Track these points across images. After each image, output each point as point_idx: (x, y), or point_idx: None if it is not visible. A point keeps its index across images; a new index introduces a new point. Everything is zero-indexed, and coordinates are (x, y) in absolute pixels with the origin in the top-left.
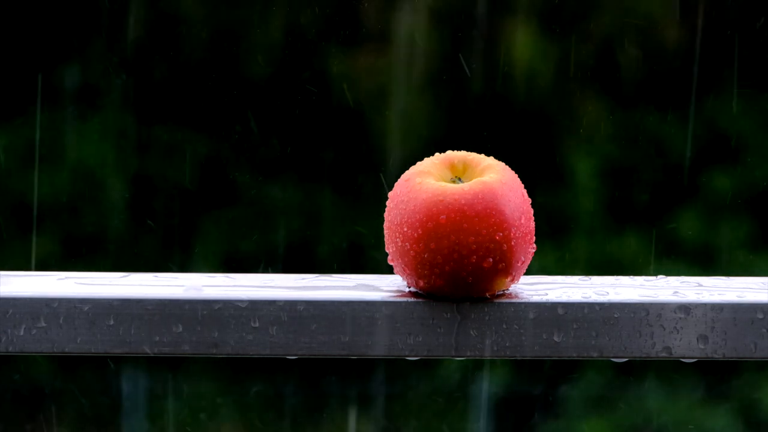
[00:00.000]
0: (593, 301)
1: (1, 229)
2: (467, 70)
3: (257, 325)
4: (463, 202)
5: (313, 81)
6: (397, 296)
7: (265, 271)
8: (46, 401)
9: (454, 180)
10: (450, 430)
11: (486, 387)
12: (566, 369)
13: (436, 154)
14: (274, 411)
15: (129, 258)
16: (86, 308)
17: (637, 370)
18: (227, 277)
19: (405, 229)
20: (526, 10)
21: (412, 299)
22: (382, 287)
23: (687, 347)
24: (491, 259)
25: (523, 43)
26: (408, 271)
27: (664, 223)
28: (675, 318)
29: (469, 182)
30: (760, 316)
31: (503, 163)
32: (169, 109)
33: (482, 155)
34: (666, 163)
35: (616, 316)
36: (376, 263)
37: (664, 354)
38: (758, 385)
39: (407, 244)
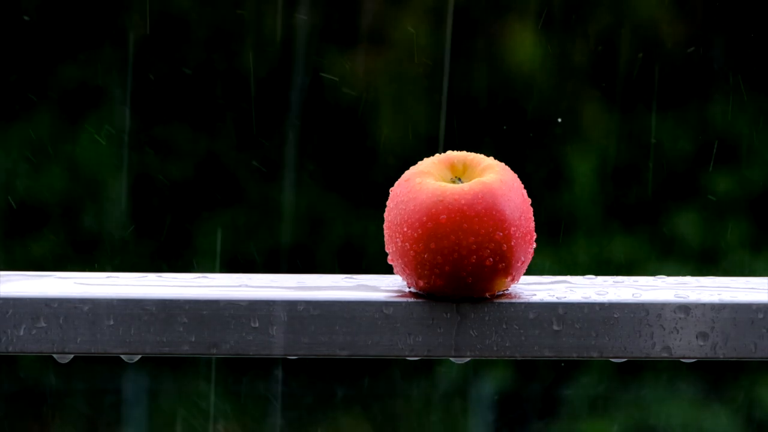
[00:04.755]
0: (593, 301)
1: (1, 228)
2: (467, 71)
3: (257, 325)
4: (463, 202)
5: (313, 81)
6: (397, 296)
7: (265, 271)
8: (46, 401)
9: (454, 180)
10: (450, 430)
11: (486, 387)
12: (566, 369)
13: (436, 154)
14: (274, 411)
15: (129, 258)
16: (86, 308)
17: (637, 370)
18: (227, 277)
19: (405, 229)
20: (526, 11)
21: (412, 299)
22: (382, 287)
23: (687, 347)
24: (491, 259)
25: (522, 44)
26: (408, 271)
27: (664, 223)
28: (675, 318)
29: (469, 182)
30: (760, 316)
31: (503, 164)
32: (169, 108)
33: (482, 155)
34: (666, 163)
35: (616, 316)
36: (375, 263)
37: (664, 354)
38: (758, 385)
39: (407, 244)
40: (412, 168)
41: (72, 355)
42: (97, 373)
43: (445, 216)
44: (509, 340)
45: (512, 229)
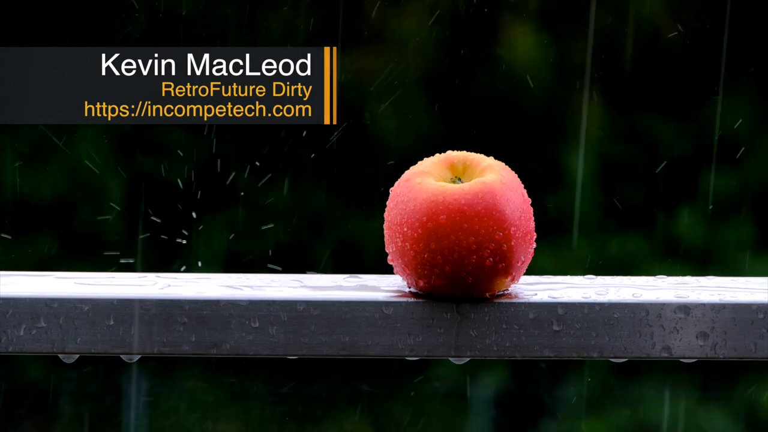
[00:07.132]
0: (593, 301)
1: (0, 228)
2: (467, 70)
3: (257, 325)
4: (463, 202)
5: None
6: (397, 296)
7: (265, 271)
8: (45, 401)
9: (454, 180)
10: (449, 430)
11: (485, 387)
12: (566, 369)
13: (436, 154)
14: (273, 411)
15: (129, 258)
16: (86, 308)
17: (636, 370)
18: (227, 276)
19: (405, 229)
20: (526, 10)
21: (412, 299)
22: (382, 287)
23: (687, 347)
24: (491, 259)
25: (522, 43)
26: (408, 271)
27: (664, 223)
28: (675, 318)
29: (469, 182)
30: (760, 316)
31: (503, 163)
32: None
33: (482, 155)
34: (666, 163)
35: (616, 316)
36: (375, 264)
37: (664, 354)
38: (758, 385)
39: (407, 244)
40: (412, 168)
41: (77, 355)
42: (97, 373)
43: (444, 216)
44: (509, 340)
45: (512, 229)
